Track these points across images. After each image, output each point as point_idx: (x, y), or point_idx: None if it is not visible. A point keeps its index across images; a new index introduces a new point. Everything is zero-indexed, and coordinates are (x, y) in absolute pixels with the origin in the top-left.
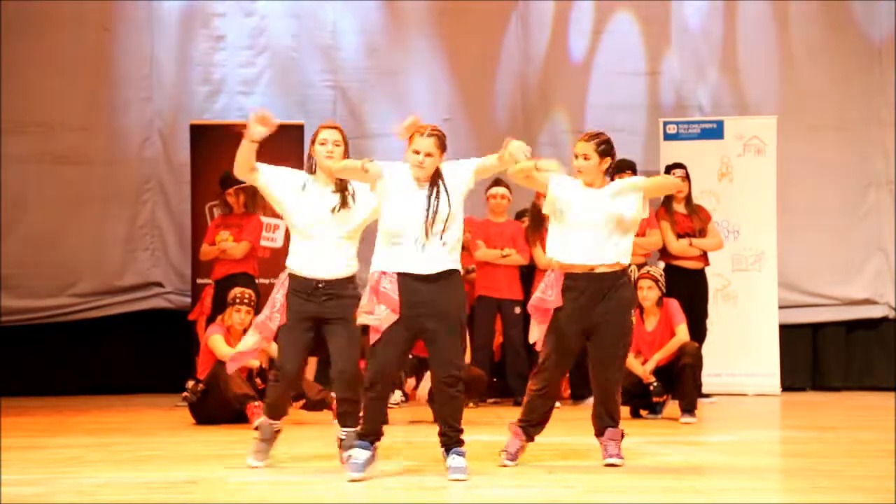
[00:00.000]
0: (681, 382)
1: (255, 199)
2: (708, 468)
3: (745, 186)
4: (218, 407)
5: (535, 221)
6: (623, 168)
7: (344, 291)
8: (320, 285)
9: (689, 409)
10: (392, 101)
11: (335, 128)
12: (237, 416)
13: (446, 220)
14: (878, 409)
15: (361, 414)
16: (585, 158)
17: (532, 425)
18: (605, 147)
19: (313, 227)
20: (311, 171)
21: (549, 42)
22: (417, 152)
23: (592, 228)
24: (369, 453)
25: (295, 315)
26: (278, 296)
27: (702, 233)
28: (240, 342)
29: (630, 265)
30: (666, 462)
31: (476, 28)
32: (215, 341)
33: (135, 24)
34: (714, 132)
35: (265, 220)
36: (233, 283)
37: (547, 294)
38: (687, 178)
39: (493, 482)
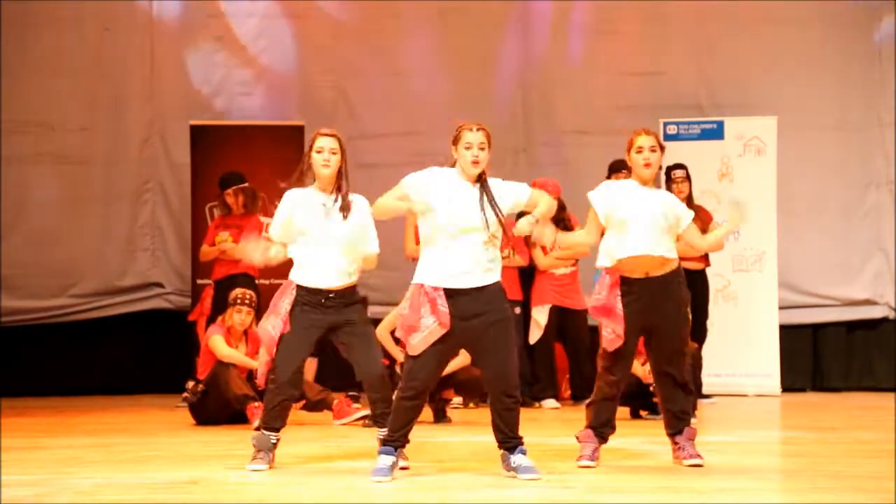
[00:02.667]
0: None
1: (254, 200)
2: (708, 468)
3: (745, 186)
4: (218, 407)
5: None
6: (619, 168)
7: (353, 298)
8: (331, 295)
9: None
10: (392, 101)
11: (332, 135)
12: (237, 417)
13: (495, 229)
14: (878, 409)
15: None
16: (652, 150)
17: (602, 426)
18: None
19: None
20: (301, 182)
21: (549, 42)
22: (470, 146)
23: (650, 226)
24: (394, 458)
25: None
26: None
27: (702, 233)
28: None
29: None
30: (666, 462)
31: (476, 28)
32: (216, 342)
33: (135, 24)
34: (714, 132)
35: (265, 220)
36: (233, 284)
37: (603, 296)
38: (687, 178)
39: (493, 482)
